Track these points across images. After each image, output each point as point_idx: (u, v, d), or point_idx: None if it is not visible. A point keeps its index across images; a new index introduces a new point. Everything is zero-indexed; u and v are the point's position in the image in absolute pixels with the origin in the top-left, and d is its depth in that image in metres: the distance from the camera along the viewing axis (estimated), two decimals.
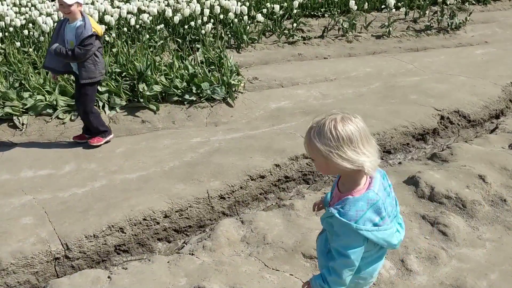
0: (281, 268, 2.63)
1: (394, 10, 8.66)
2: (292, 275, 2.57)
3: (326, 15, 8.65)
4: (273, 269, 2.63)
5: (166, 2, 8.17)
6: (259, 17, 7.25)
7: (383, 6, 8.99)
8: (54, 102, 4.86)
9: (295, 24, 7.86)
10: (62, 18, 4.71)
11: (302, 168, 3.90)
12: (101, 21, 6.86)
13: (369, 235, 1.63)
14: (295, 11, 7.91)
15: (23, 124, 4.69)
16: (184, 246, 3.07)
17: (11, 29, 6.76)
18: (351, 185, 1.69)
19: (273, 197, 3.79)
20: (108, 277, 2.62)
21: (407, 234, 2.91)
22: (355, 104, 5.09)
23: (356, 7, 7.89)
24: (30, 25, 7.01)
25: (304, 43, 7.57)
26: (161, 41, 6.80)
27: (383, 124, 4.51)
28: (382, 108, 4.95)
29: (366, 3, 8.58)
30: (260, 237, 2.91)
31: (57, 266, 2.91)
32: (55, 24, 6.52)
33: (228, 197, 3.54)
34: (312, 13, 8.68)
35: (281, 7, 7.93)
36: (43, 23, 6.47)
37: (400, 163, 4.17)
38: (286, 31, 7.71)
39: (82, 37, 3.94)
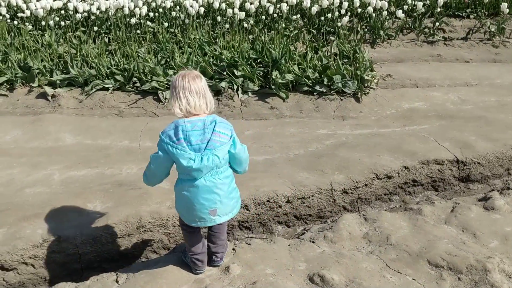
0: (403, 271, 2.56)
1: None
2: (414, 280, 2.48)
3: (471, 16, 8.08)
4: (394, 270, 2.56)
5: None
6: (399, 13, 7.00)
7: None
8: None
9: (436, 24, 7.46)
10: None
11: (432, 173, 3.72)
12: (241, 8, 7.15)
13: (163, 144, 2.24)
14: (438, 9, 7.49)
15: (165, 98, 5.09)
16: (304, 233, 3.12)
17: (160, 10, 7.34)
18: None
19: (398, 199, 3.68)
20: (233, 249, 2.76)
21: None
22: (496, 114, 4.70)
23: (508, 10, 7.24)
24: (177, 7, 7.54)
25: (444, 43, 7.15)
26: (296, 31, 6.89)
27: None
28: None
29: None
30: (383, 237, 2.85)
31: None
32: (200, 8, 6.92)
33: (351, 193, 3.51)
34: (456, 13, 8.17)
35: (423, 5, 7.57)
36: (189, 6, 6.92)
37: None
38: (426, 30, 7.36)
39: None
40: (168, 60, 5.71)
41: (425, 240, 2.80)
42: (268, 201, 3.32)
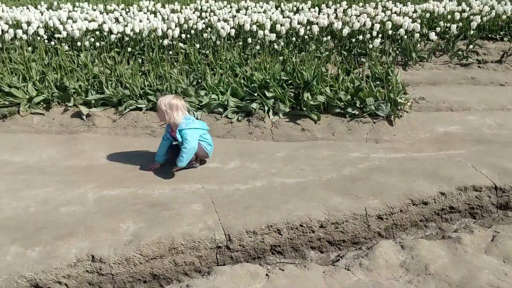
0: None
1: None
2: None
3: (505, 39, 7.94)
4: None
5: (334, 14, 8.28)
6: (432, 35, 6.92)
7: None
8: (225, 102, 5.23)
9: (470, 46, 7.35)
10: None
11: (470, 200, 3.61)
12: (271, 30, 7.21)
13: (201, 131, 4.06)
14: (471, 32, 7.39)
15: (197, 118, 5.11)
16: (339, 259, 3.05)
17: (192, 31, 7.45)
18: (176, 125, 3.98)
19: (434, 226, 3.58)
20: (266, 274, 2.72)
21: None
22: None
23: None
24: (209, 29, 7.65)
25: (478, 66, 7.04)
26: (327, 52, 6.89)
27: None
28: None
29: None
30: (422, 266, 2.76)
31: (218, 254, 3.11)
32: (231, 30, 7.00)
33: (386, 218, 3.43)
34: (489, 35, 8.04)
35: (456, 27, 7.48)
36: (221, 27, 7.01)
37: None
38: (459, 52, 7.25)
39: None
40: (199, 81, 5.77)
41: (465, 270, 2.70)
42: (301, 225, 3.27)
